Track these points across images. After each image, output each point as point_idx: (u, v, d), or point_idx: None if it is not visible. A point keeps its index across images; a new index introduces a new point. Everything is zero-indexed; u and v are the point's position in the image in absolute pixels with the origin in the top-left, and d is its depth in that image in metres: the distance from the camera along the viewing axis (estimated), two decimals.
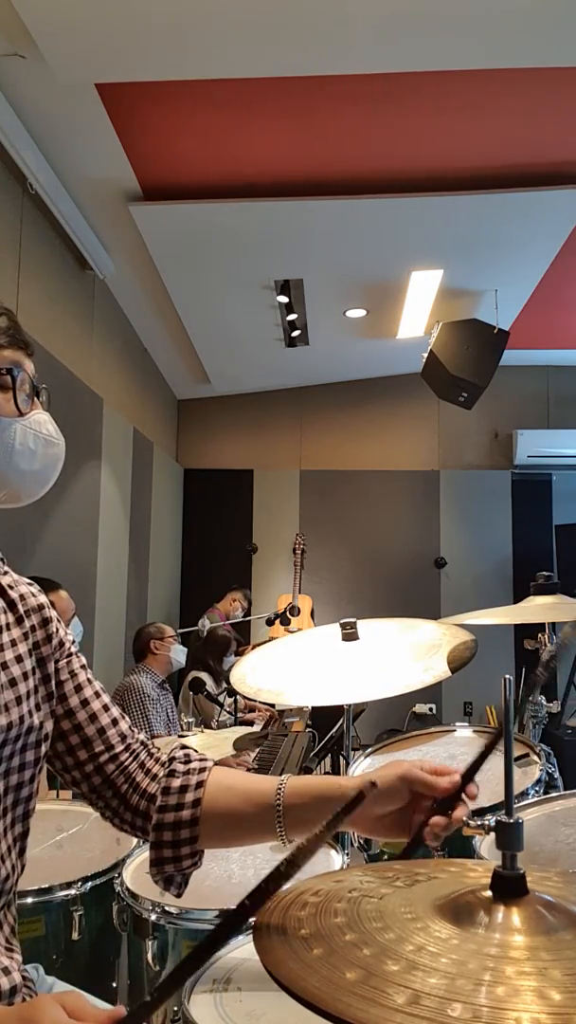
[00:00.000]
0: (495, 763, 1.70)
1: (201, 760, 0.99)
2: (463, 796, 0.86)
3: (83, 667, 1.04)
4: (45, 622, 1.01)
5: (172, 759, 1.00)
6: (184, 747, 1.02)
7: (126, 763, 1.00)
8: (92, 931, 1.46)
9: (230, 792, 0.95)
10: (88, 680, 1.03)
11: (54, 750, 0.99)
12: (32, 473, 0.98)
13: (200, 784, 0.95)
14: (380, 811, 0.89)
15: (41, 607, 1.01)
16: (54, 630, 1.01)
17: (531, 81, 2.78)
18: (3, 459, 0.95)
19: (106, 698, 1.03)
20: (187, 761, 0.99)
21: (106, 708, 1.01)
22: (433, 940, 0.54)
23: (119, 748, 1.00)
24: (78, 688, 1.01)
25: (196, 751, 1.01)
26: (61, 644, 1.02)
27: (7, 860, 0.91)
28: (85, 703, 1.00)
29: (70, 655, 1.03)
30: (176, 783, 0.96)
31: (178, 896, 0.98)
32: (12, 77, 2.65)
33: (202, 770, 0.97)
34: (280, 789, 0.92)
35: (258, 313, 4.68)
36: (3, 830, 0.91)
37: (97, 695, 1.02)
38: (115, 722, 1.01)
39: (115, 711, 1.03)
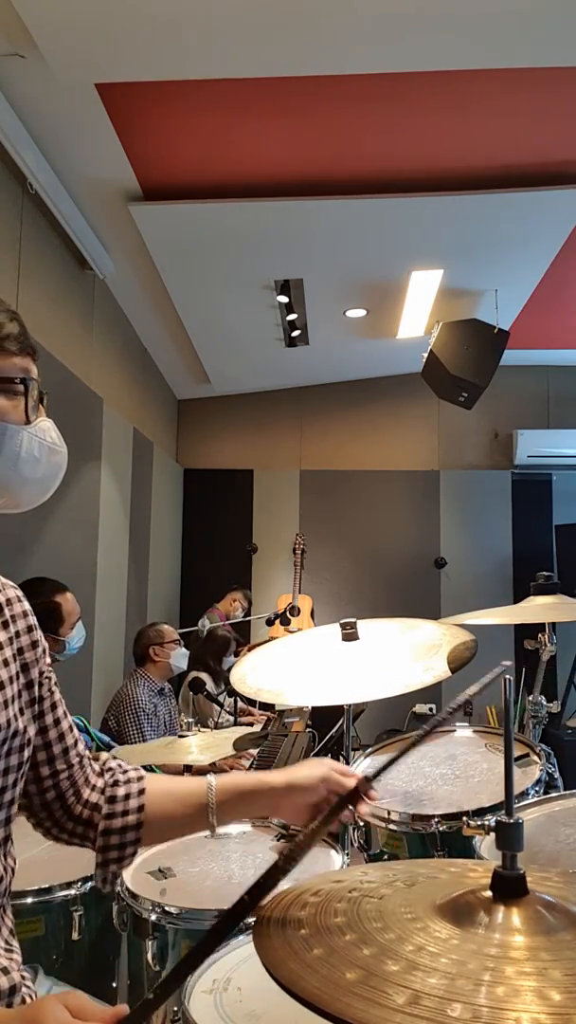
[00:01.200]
0: (495, 763, 1.71)
1: (135, 769, 1.07)
2: (365, 796, 0.99)
3: (56, 683, 1.05)
4: (30, 628, 1.01)
5: (110, 769, 1.06)
6: (115, 758, 1.08)
7: (75, 777, 1.03)
8: (92, 931, 1.46)
9: (167, 796, 1.04)
10: (60, 698, 1.05)
11: (37, 781, 1.00)
12: (35, 481, 1.00)
13: (141, 791, 1.03)
14: (301, 802, 1.06)
15: (26, 613, 1.02)
16: (39, 636, 1.02)
17: (531, 81, 2.78)
18: (9, 467, 0.96)
19: (68, 715, 1.06)
20: (124, 771, 1.06)
21: (71, 728, 1.05)
22: (433, 940, 0.54)
23: (75, 764, 1.03)
24: (53, 706, 1.03)
25: (125, 762, 1.09)
26: (44, 652, 1.03)
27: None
28: (57, 722, 1.03)
29: (50, 667, 1.04)
30: (120, 791, 1.03)
31: (109, 889, 1.05)
32: (12, 77, 2.65)
33: (140, 778, 1.05)
34: (210, 790, 1.03)
35: (258, 313, 4.68)
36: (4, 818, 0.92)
37: (65, 714, 1.04)
38: (75, 741, 1.05)
39: (74, 728, 1.06)
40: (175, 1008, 1.12)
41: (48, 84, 2.64)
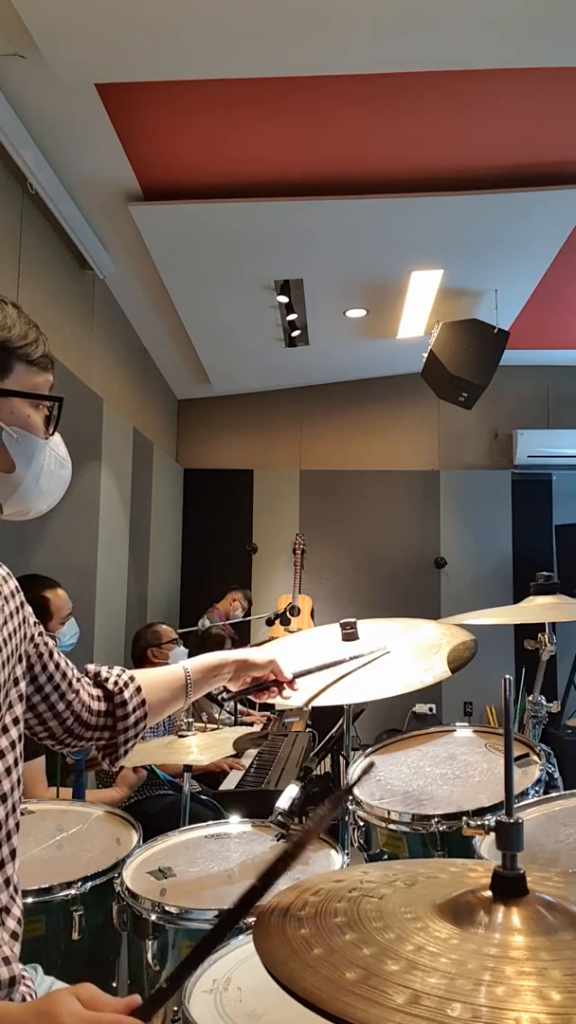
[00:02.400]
0: (495, 763, 1.71)
1: (121, 670, 1.23)
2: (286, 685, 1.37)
3: (44, 635, 1.13)
4: (21, 605, 1.07)
5: (105, 678, 1.21)
6: (95, 668, 1.23)
7: (82, 698, 1.16)
8: (92, 931, 1.46)
9: (157, 686, 1.25)
10: (53, 644, 1.14)
11: (36, 712, 1.11)
12: (48, 492, 1.07)
13: (139, 689, 1.21)
14: (250, 675, 1.34)
15: (14, 593, 1.06)
16: (29, 611, 1.09)
17: (531, 81, 2.78)
18: (33, 480, 1.03)
19: (58, 651, 1.16)
20: (118, 675, 1.21)
21: (66, 662, 1.15)
22: (433, 940, 0.54)
23: (78, 689, 1.16)
24: (51, 653, 1.12)
25: (107, 668, 1.24)
26: (34, 624, 1.10)
27: (4, 845, 0.94)
28: (58, 665, 1.12)
29: (39, 632, 1.11)
30: (126, 695, 1.20)
31: (112, 766, 1.23)
32: (12, 77, 2.65)
33: (132, 678, 1.22)
34: (188, 674, 1.28)
35: (258, 313, 4.68)
36: (5, 815, 0.94)
37: (60, 653, 1.15)
38: (73, 670, 1.16)
39: (66, 659, 1.17)
40: (175, 1008, 1.12)
41: (48, 84, 2.64)
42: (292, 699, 1.40)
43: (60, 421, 1.07)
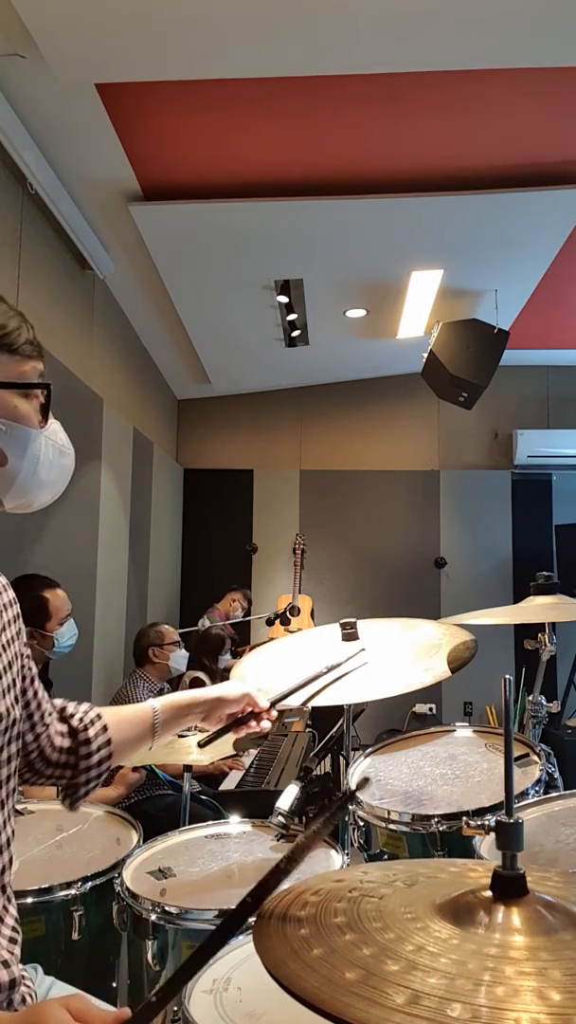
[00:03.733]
0: (495, 763, 1.71)
1: (88, 707, 1.19)
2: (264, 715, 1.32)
3: (28, 657, 1.10)
4: (17, 617, 1.04)
5: (71, 714, 1.17)
6: (62, 703, 1.19)
7: (49, 732, 1.13)
8: (92, 931, 1.46)
9: (124, 723, 1.20)
10: (34, 670, 1.11)
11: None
12: (49, 483, 1.04)
13: (105, 727, 1.17)
14: (225, 712, 1.29)
15: (12, 602, 1.04)
16: (23, 623, 1.06)
17: (531, 81, 2.78)
18: (29, 471, 0.99)
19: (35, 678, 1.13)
20: (85, 712, 1.17)
21: (43, 692, 1.12)
22: (433, 940, 0.54)
23: (48, 723, 1.12)
24: (32, 680, 1.09)
25: (75, 703, 1.21)
26: (22, 634, 1.07)
27: (5, 852, 0.94)
28: (36, 693, 1.10)
29: (27, 655, 1.09)
30: (91, 732, 1.15)
31: (71, 807, 1.17)
32: (12, 77, 2.65)
33: (99, 715, 1.18)
34: (155, 713, 1.22)
35: (258, 313, 4.68)
36: (2, 822, 0.93)
37: (39, 683, 1.11)
38: (49, 702, 1.14)
39: (43, 689, 1.14)
40: (175, 1008, 1.12)
41: (48, 84, 2.64)
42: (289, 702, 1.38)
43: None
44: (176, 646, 3.51)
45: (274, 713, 1.35)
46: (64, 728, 1.15)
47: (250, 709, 1.32)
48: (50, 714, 1.13)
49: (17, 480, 0.98)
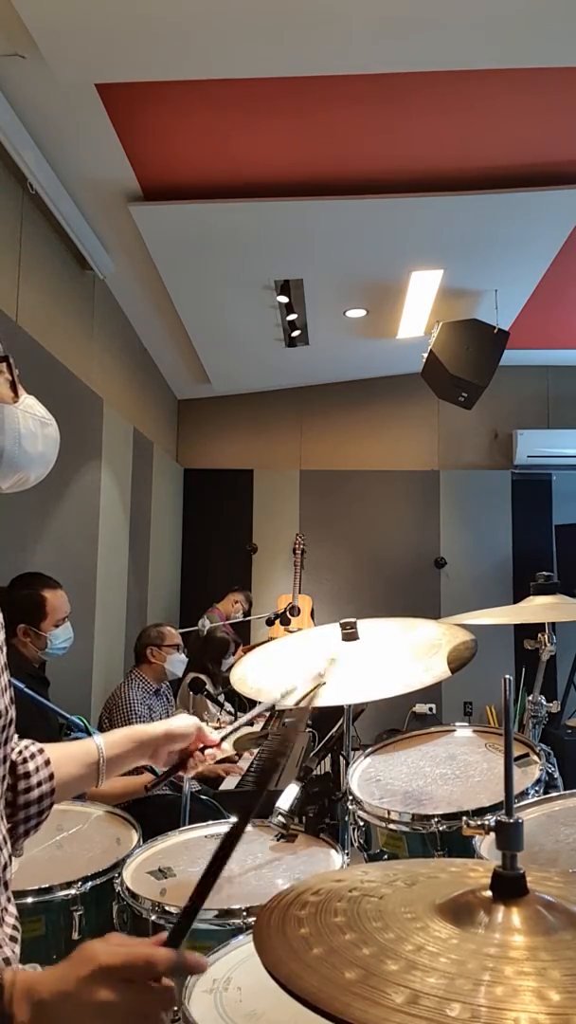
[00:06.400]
0: (495, 763, 1.71)
1: (30, 743, 1.12)
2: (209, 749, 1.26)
3: None
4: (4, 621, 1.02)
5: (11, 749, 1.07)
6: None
7: None
8: (92, 931, 1.46)
9: (68, 760, 1.13)
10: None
11: None
12: (38, 455, 1.03)
13: (47, 762, 1.10)
14: (175, 748, 1.23)
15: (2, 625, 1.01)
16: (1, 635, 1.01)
17: (531, 81, 2.78)
18: (14, 445, 0.98)
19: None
20: (26, 747, 1.10)
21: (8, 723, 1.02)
22: (433, 940, 0.54)
23: None
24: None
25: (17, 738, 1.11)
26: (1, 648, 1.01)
27: (4, 848, 0.94)
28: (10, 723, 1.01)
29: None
30: (31, 766, 1.08)
31: (18, 854, 1.10)
32: (12, 77, 2.65)
33: (41, 750, 1.11)
34: (100, 751, 1.15)
35: (258, 313, 4.68)
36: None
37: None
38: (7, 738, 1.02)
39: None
40: (175, 1008, 1.12)
41: (48, 84, 2.64)
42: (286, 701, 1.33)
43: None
44: (175, 649, 3.49)
45: (225, 746, 1.29)
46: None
47: (201, 744, 1.26)
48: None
49: (4, 456, 0.98)
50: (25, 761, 1.08)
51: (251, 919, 1.27)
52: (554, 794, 1.53)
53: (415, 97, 2.86)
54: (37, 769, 1.08)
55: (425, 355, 4.66)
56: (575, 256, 4.10)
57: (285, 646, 1.82)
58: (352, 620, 1.69)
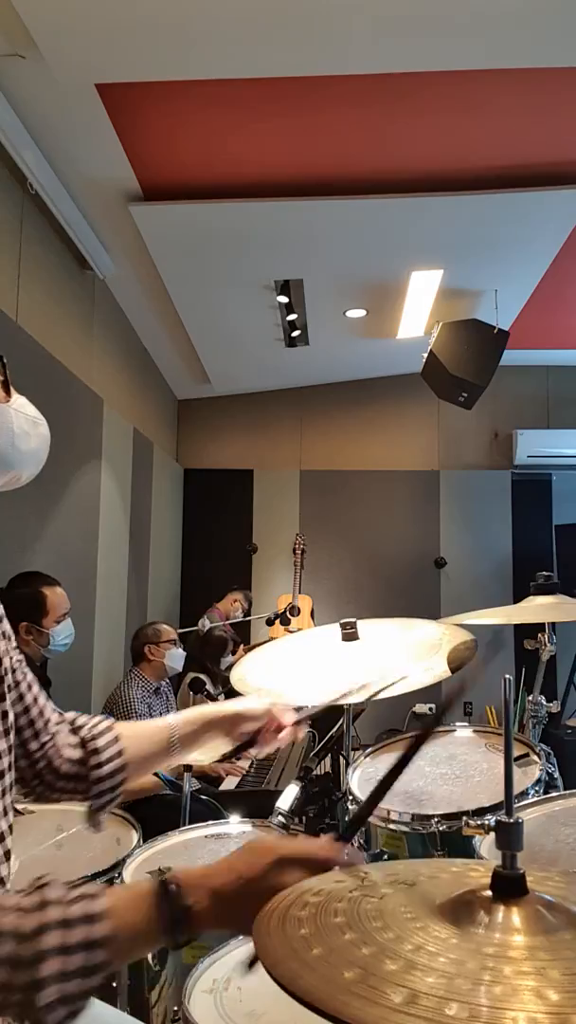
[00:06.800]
0: (495, 763, 1.71)
1: (101, 719, 1.16)
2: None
3: (24, 663, 1.09)
4: (0, 619, 1.03)
5: (80, 726, 1.14)
6: (74, 715, 1.16)
7: (57, 742, 1.10)
8: None
9: (139, 738, 1.16)
10: (32, 676, 1.09)
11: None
12: (31, 453, 1.04)
13: (117, 738, 1.13)
14: (248, 728, 1.22)
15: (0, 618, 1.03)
16: (7, 626, 1.05)
17: (531, 81, 2.78)
18: (7, 443, 1.00)
19: (42, 691, 1.11)
20: (95, 724, 1.14)
21: (45, 699, 1.10)
22: (432, 940, 0.54)
23: (53, 732, 1.10)
24: (29, 686, 1.07)
25: (87, 716, 1.18)
26: (10, 638, 1.05)
27: (7, 838, 0.95)
28: (36, 699, 1.08)
29: (16, 650, 1.07)
30: (101, 743, 1.11)
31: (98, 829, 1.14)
32: (12, 77, 2.65)
33: (110, 727, 1.15)
34: (173, 730, 1.18)
35: (258, 313, 4.68)
36: (2, 809, 0.94)
37: (40, 688, 1.10)
38: (50, 710, 1.11)
39: (45, 696, 1.12)
40: (175, 1008, 1.12)
41: (48, 84, 2.64)
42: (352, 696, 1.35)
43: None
44: (172, 644, 3.50)
45: (303, 730, 1.28)
46: (75, 740, 1.12)
47: (273, 725, 1.25)
48: (57, 723, 1.11)
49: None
50: (94, 737, 1.12)
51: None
52: (554, 794, 1.53)
53: (415, 97, 2.86)
54: (107, 745, 1.11)
55: (425, 355, 4.66)
56: (575, 256, 4.10)
57: (285, 646, 1.82)
58: (352, 620, 1.69)
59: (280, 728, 1.25)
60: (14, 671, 1.04)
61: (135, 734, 1.16)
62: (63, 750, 1.10)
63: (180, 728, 1.18)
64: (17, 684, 1.04)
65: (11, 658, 1.03)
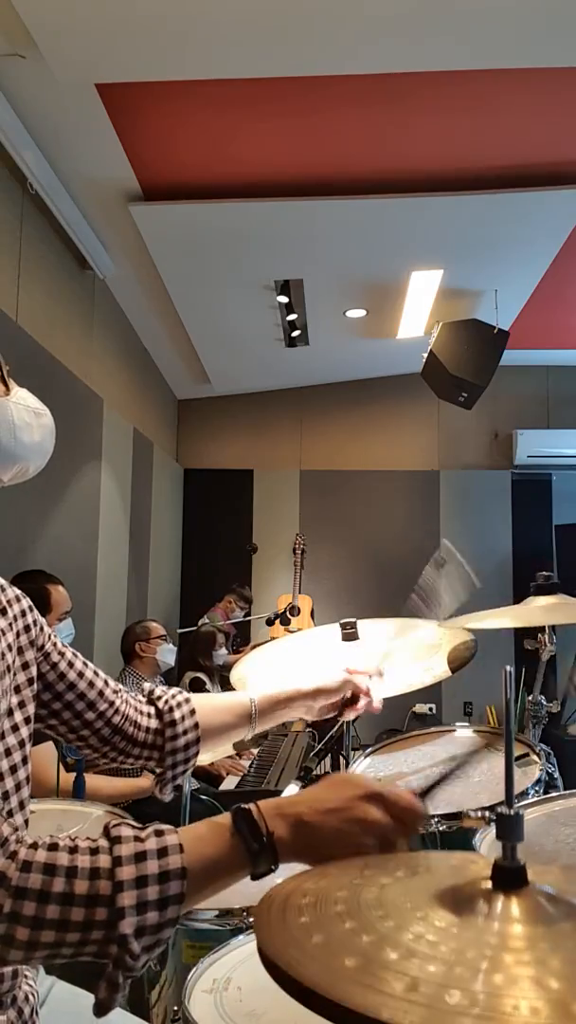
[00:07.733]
0: (496, 763, 1.71)
1: (178, 692, 1.19)
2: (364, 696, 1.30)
3: (63, 643, 1.12)
4: (24, 612, 1.04)
5: (159, 697, 1.18)
6: (152, 685, 1.21)
7: (124, 710, 1.13)
8: None
9: (216, 711, 1.20)
10: (73, 653, 1.12)
11: (62, 719, 1.08)
12: (36, 445, 1.04)
13: (193, 711, 1.16)
14: (327, 703, 1.28)
15: (18, 597, 1.05)
16: (37, 616, 1.06)
17: (531, 81, 2.78)
18: (9, 436, 0.99)
19: (90, 664, 1.14)
20: (173, 696, 1.18)
21: (95, 672, 1.13)
22: (433, 929, 0.55)
23: (117, 700, 1.12)
24: (70, 663, 1.10)
25: (167, 688, 1.21)
26: (42, 628, 1.07)
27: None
28: (81, 674, 1.10)
29: (51, 636, 1.09)
30: (177, 715, 1.15)
31: (163, 793, 1.18)
32: (12, 77, 2.65)
33: (187, 699, 1.18)
34: (253, 703, 1.22)
35: (258, 313, 4.69)
36: (19, 803, 0.93)
37: (85, 663, 1.13)
38: (106, 681, 1.14)
39: (99, 671, 1.15)
40: (175, 1008, 1.12)
41: (48, 84, 2.65)
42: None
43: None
44: (162, 640, 3.47)
45: (378, 702, 1.31)
46: (151, 710, 1.16)
47: (352, 694, 1.30)
48: (115, 691, 1.13)
49: (1, 449, 1.00)
50: (171, 710, 1.15)
51: (251, 919, 1.27)
52: (554, 794, 1.53)
53: (415, 97, 2.87)
54: (183, 718, 1.15)
55: (425, 355, 4.66)
56: (575, 256, 4.11)
57: (285, 646, 1.82)
58: (352, 620, 1.69)
59: (357, 698, 1.29)
60: (48, 655, 1.06)
61: (213, 707, 1.20)
62: (138, 718, 1.14)
63: (260, 703, 1.22)
64: (55, 664, 1.07)
65: (41, 645, 1.05)
